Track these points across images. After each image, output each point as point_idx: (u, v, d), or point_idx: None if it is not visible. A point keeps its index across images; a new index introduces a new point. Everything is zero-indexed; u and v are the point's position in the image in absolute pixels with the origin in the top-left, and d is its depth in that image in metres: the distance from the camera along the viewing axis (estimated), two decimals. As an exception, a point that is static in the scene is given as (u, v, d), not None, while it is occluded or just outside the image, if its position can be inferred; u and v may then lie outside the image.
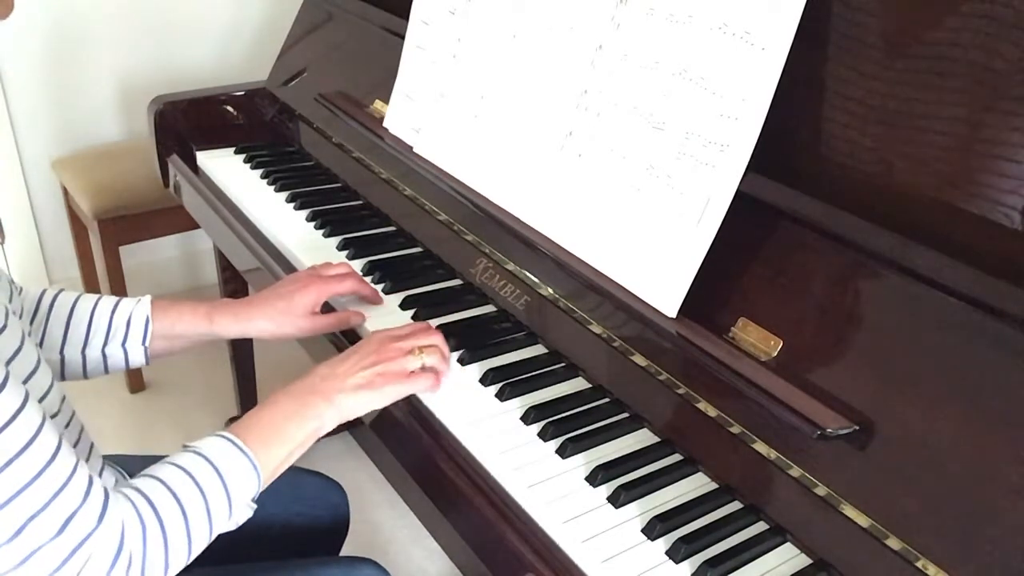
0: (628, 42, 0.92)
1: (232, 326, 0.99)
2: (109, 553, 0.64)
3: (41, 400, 0.72)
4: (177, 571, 0.70)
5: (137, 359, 0.96)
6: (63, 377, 0.94)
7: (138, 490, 0.69)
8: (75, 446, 0.81)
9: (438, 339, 0.92)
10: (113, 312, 0.95)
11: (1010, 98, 0.69)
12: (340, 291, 1.04)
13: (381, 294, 1.10)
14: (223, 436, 0.76)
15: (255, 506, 0.77)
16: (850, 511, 0.70)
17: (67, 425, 0.79)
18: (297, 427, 0.80)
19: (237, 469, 0.74)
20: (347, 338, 1.04)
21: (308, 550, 1.08)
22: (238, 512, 0.75)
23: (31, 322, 0.92)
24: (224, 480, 0.73)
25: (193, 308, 0.98)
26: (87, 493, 0.64)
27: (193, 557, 0.71)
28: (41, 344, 0.92)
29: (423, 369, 0.89)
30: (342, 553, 1.14)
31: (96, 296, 0.96)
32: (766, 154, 0.80)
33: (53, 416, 0.74)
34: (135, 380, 2.14)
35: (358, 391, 0.84)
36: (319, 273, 1.03)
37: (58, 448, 0.63)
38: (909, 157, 0.76)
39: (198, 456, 0.73)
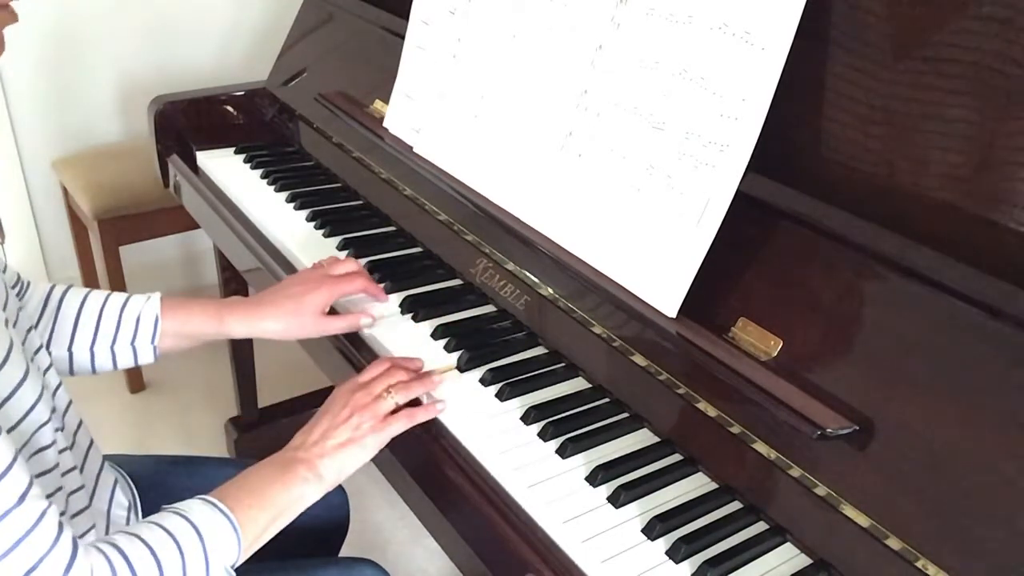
0: (628, 42, 0.92)
1: (241, 327, 0.98)
2: None
3: (27, 414, 0.71)
4: None
5: (146, 357, 0.96)
6: (72, 372, 0.94)
7: (114, 545, 0.67)
8: (71, 446, 0.80)
9: (401, 374, 0.89)
10: (122, 310, 0.94)
11: (1010, 97, 0.69)
12: (349, 291, 1.03)
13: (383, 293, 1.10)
14: (206, 500, 0.74)
15: (233, 574, 0.75)
16: (850, 511, 0.70)
17: (61, 428, 0.78)
18: (281, 493, 0.78)
19: (219, 533, 0.72)
20: (349, 341, 1.04)
21: (308, 549, 1.08)
22: None
23: (39, 318, 0.91)
24: (204, 543, 0.71)
25: (203, 308, 0.97)
26: (55, 542, 0.61)
27: None
28: (50, 341, 0.91)
29: (396, 409, 0.87)
30: (342, 553, 1.14)
31: (105, 293, 0.95)
32: (766, 154, 0.80)
33: (43, 424, 0.73)
34: (135, 380, 2.14)
35: (339, 451, 0.82)
36: (328, 272, 1.02)
37: (26, 492, 0.60)
38: (909, 157, 0.76)
39: (180, 518, 0.71)
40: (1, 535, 0.58)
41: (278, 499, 0.78)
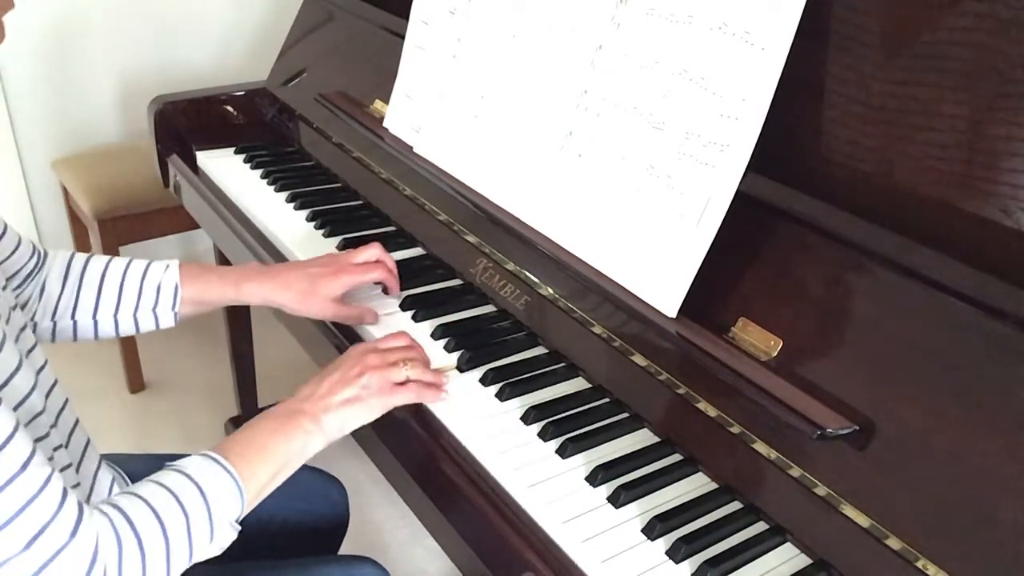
0: (628, 42, 0.92)
1: (257, 294, 1.02)
2: (80, 569, 0.62)
3: (20, 404, 0.71)
4: None
5: (167, 323, 1.00)
6: (96, 336, 0.98)
7: (116, 506, 0.67)
8: (67, 445, 0.80)
9: (419, 351, 0.91)
10: (143, 278, 0.97)
11: (1010, 97, 0.69)
12: (367, 281, 1.05)
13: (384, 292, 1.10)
14: (207, 455, 0.74)
15: (239, 528, 0.75)
16: (850, 511, 0.70)
17: (55, 424, 0.78)
18: (282, 445, 0.78)
19: (220, 488, 0.72)
20: (347, 338, 1.04)
21: (307, 546, 1.08)
22: (220, 533, 0.72)
23: (62, 288, 0.95)
24: (207, 499, 0.71)
25: (221, 276, 1.01)
26: (59, 507, 0.62)
27: None
28: (75, 309, 0.95)
29: (407, 382, 0.87)
30: (341, 552, 1.14)
31: (125, 261, 0.99)
32: (766, 154, 0.80)
33: (37, 415, 0.73)
34: (135, 380, 2.14)
35: (344, 407, 0.83)
36: (351, 259, 1.04)
37: (29, 459, 0.61)
38: (909, 157, 0.76)
39: (180, 475, 0.71)
40: (6, 501, 0.59)
41: (280, 451, 0.78)
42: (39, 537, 0.60)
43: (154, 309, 0.98)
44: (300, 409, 0.82)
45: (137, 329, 0.98)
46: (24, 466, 0.60)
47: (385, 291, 1.09)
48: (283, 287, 1.01)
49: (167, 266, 0.99)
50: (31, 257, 0.92)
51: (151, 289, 0.97)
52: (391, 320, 1.05)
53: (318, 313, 1.02)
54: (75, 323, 0.96)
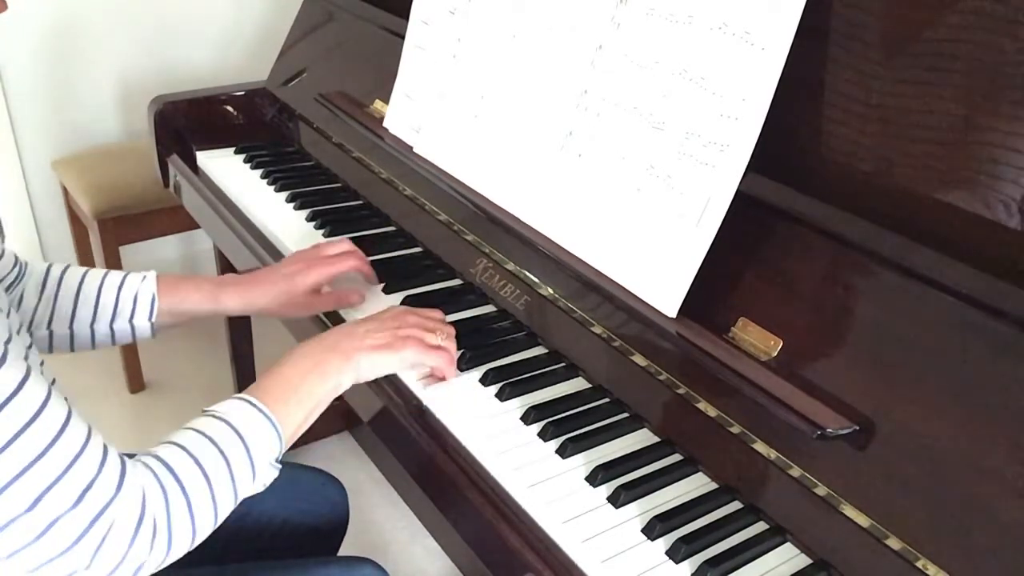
0: (628, 42, 0.92)
1: (236, 304, 1.01)
2: (131, 521, 0.63)
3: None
4: (205, 535, 0.69)
5: (144, 333, 0.99)
6: (72, 348, 0.97)
7: (157, 457, 0.68)
8: None
9: (451, 331, 0.93)
10: (120, 288, 0.97)
11: (1010, 97, 0.69)
12: (341, 271, 1.06)
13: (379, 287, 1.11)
14: (242, 398, 0.76)
15: (279, 466, 0.76)
16: (850, 511, 0.70)
17: None
18: (316, 385, 0.80)
19: (258, 430, 0.74)
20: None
21: (307, 546, 1.09)
22: (262, 473, 0.74)
23: (39, 298, 0.94)
24: (246, 442, 0.72)
25: (198, 287, 1.00)
26: (103, 462, 0.63)
27: (220, 520, 0.71)
28: (51, 319, 0.94)
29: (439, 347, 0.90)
30: (341, 552, 1.14)
31: (102, 272, 0.98)
32: (766, 154, 0.80)
33: None
34: (135, 380, 2.14)
35: (377, 351, 0.84)
36: (321, 253, 1.05)
37: (67, 419, 0.62)
38: (909, 156, 0.76)
39: (217, 420, 0.73)
40: (53, 460, 0.60)
41: (315, 391, 0.80)
42: (87, 493, 0.61)
43: (131, 319, 0.97)
44: (335, 347, 0.83)
45: (114, 340, 0.97)
46: (64, 426, 0.62)
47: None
48: (261, 292, 1.01)
49: (144, 276, 0.98)
50: (13, 266, 0.92)
51: (128, 299, 0.96)
52: (391, 320, 1.05)
53: (301, 309, 1.03)
54: (51, 333, 0.94)
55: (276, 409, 0.76)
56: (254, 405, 0.75)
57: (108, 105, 2.30)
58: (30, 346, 0.79)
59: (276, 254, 1.23)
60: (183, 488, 0.67)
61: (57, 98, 2.22)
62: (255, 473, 0.73)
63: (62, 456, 0.61)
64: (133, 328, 0.97)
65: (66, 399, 0.64)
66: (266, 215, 1.32)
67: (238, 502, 0.73)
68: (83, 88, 2.25)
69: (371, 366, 0.85)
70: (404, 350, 0.86)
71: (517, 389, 0.93)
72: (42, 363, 0.79)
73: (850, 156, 0.80)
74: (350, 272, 1.07)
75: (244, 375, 1.91)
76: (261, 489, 0.76)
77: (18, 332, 0.75)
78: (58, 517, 0.60)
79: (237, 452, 0.72)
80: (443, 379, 0.92)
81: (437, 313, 0.96)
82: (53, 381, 0.80)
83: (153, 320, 0.97)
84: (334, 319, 1.06)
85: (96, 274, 0.97)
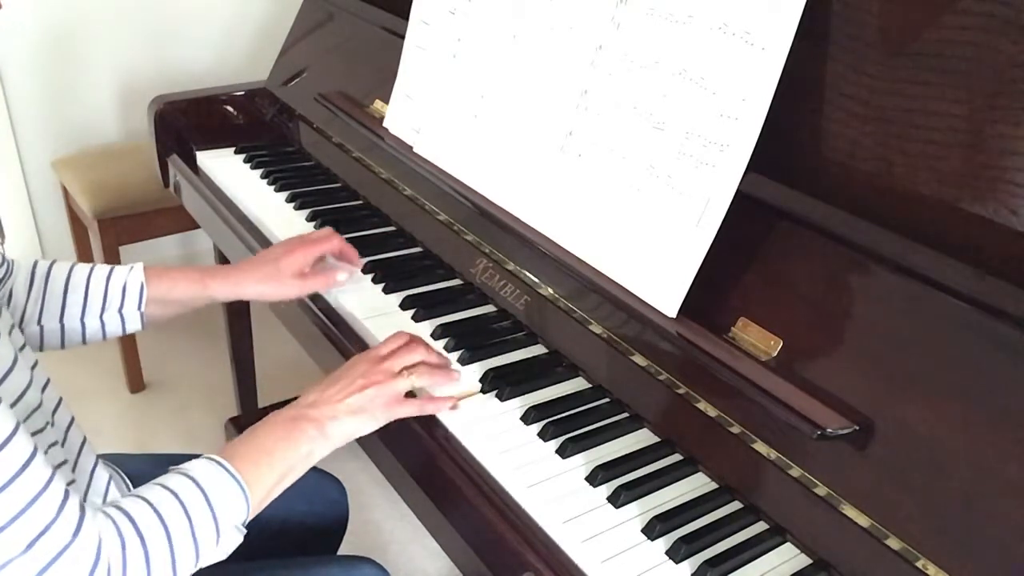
0: (628, 42, 0.92)
1: (225, 290, 1.02)
2: (84, 569, 0.61)
3: (16, 402, 0.71)
4: None
5: (133, 324, 0.98)
6: (63, 344, 0.96)
7: (120, 508, 0.67)
8: (63, 442, 0.80)
9: (421, 353, 0.89)
10: (108, 280, 0.97)
11: (1010, 97, 0.69)
12: (325, 250, 1.08)
13: (382, 294, 1.11)
14: (212, 459, 0.74)
15: (244, 531, 0.74)
16: (850, 511, 0.70)
17: (51, 423, 0.78)
18: (288, 451, 0.78)
19: (225, 492, 0.72)
20: (347, 338, 1.04)
21: (307, 545, 1.09)
22: (226, 537, 0.72)
23: (28, 294, 0.93)
24: (211, 502, 0.71)
25: (185, 274, 1.01)
26: (61, 507, 0.61)
27: None
28: (41, 314, 0.94)
29: (412, 392, 0.87)
30: (341, 552, 1.14)
31: (90, 265, 0.98)
32: (766, 154, 0.80)
33: (34, 410, 0.74)
34: (135, 380, 2.14)
35: (349, 416, 0.82)
36: (304, 238, 1.08)
37: (30, 459, 0.60)
38: (909, 156, 0.76)
39: (184, 478, 0.71)
40: (8, 502, 0.59)
41: (286, 457, 0.78)
42: (40, 538, 0.60)
43: (120, 310, 0.96)
44: (306, 415, 0.81)
45: (104, 333, 0.97)
46: (25, 466, 0.60)
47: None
48: (247, 276, 1.03)
49: (131, 268, 0.98)
50: (1, 264, 0.91)
51: (116, 289, 0.96)
52: (391, 321, 1.05)
53: (288, 290, 1.04)
54: (41, 328, 0.94)
55: (246, 471, 0.74)
56: (223, 466, 0.73)
57: (108, 105, 2.30)
58: (22, 347, 0.79)
59: (276, 254, 1.23)
60: (142, 539, 0.65)
61: (57, 98, 2.22)
62: (219, 534, 0.71)
63: (18, 498, 0.59)
64: (123, 319, 0.97)
65: (33, 439, 0.62)
66: (266, 215, 1.32)
67: (200, 564, 0.70)
68: (83, 88, 2.25)
69: (344, 433, 0.82)
70: (376, 412, 0.84)
71: (517, 389, 0.92)
72: (35, 364, 0.79)
73: (850, 156, 0.80)
74: (332, 253, 1.09)
75: (244, 375, 1.91)
76: (223, 556, 0.73)
77: (10, 333, 0.75)
78: (7, 561, 0.58)
79: (200, 510, 0.70)
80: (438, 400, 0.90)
81: (399, 338, 0.90)
82: (47, 383, 0.81)
83: (143, 310, 0.97)
84: (343, 329, 1.06)
85: (84, 267, 0.97)
